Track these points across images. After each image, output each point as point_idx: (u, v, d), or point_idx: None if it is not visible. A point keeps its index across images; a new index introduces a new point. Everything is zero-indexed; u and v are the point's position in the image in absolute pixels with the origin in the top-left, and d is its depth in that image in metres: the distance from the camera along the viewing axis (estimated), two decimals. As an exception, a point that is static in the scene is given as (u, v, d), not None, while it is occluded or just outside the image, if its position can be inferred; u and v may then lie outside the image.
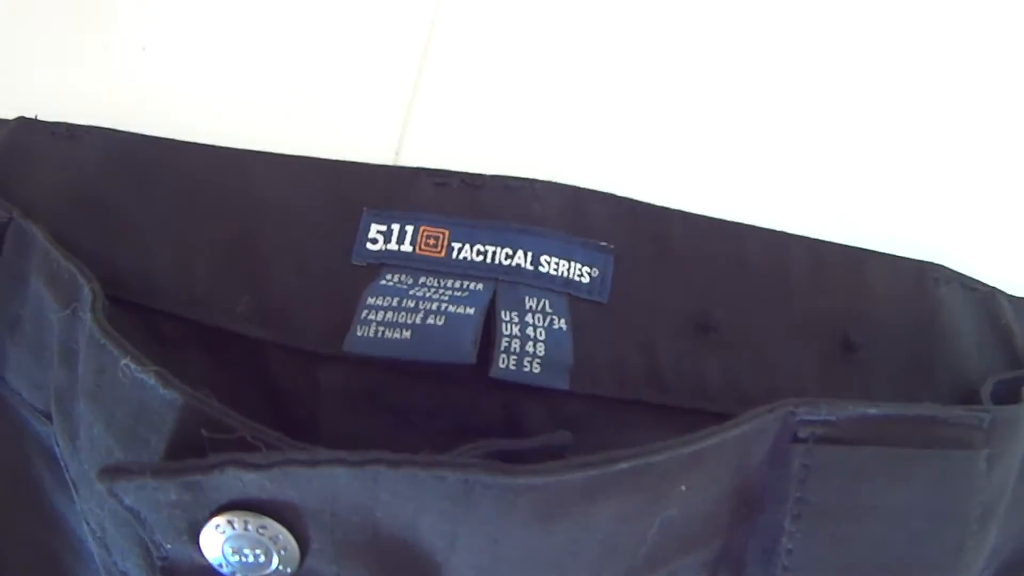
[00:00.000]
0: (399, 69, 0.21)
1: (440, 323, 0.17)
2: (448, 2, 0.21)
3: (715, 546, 0.18)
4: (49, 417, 0.20)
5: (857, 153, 0.22)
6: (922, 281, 0.21)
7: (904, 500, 0.18)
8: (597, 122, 0.21)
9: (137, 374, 0.16)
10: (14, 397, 0.21)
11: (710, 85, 0.21)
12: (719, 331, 0.20)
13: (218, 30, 0.23)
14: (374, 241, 0.19)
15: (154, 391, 0.16)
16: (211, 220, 0.20)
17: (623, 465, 0.15)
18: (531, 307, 0.18)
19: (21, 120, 0.23)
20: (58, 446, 0.20)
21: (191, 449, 0.16)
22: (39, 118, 0.23)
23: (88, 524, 0.19)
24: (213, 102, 0.23)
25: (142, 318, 0.21)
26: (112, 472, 0.15)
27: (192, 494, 0.15)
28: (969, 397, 0.21)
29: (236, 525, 0.15)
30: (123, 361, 0.16)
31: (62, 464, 0.20)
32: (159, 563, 0.16)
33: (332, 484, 0.15)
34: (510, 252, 0.19)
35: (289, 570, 0.16)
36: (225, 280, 0.20)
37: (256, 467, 0.14)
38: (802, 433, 0.17)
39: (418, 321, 0.18)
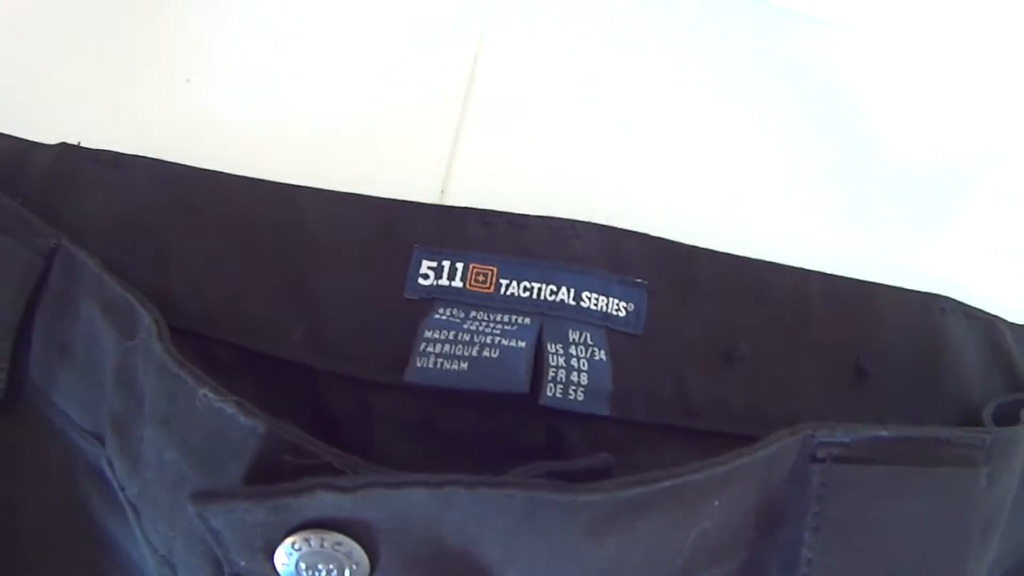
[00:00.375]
0: (444, 108, 0.23)
1: (495, 355, 0.19)
2: (490, 44, 0.23)
3: (741, 557, 0.20)
4: (99, 438, 0.21)
5: (864, 193, 0.24)
6: (928, 311, 0.23)
7: (912, 513, 0.19)
8: (633, 164, 0.22)
9: (216, 403, 0.17)
10: (63, 418, 0.22)
11: (733, 137, 0.23)
12: (744, 360, 0.21)
13: (262, 64, 0.24)
14: (425, 276, 0.21)
15: (233, 419, 0.17)
16: (262, 252, 0.21)
17: (667, 484, 0.17)
18: (574, 340, 0.20)
19: (64, 146, 0.23)
20: (111, 467, 0.21)
21: (271, 474, 0.17)
22: (82, 145, 0.23)
23: (150, 543, 0.20)
24: (255, 134, 0.24)
25: (194, 345, 0.22)
26: (204, 496, 0.16)
27: (277, 516, 0.16)
28: (972, 419, 0.22)
29: (312, 543, 0.17)
30: (201, 391, 0.17)
31: (115, 485, 0.21)
32: None
33: (407, 504, 0.16)
34: (554, 288, 0.20)
35: (360, 581, 0.17)
36: (278, 310, 0.21)
37: (343, 490, 0.16)
38: (820, 454, 0.19)
39: (474, 353, 0.19)
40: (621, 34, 0.23)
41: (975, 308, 0.23)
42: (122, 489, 0.20)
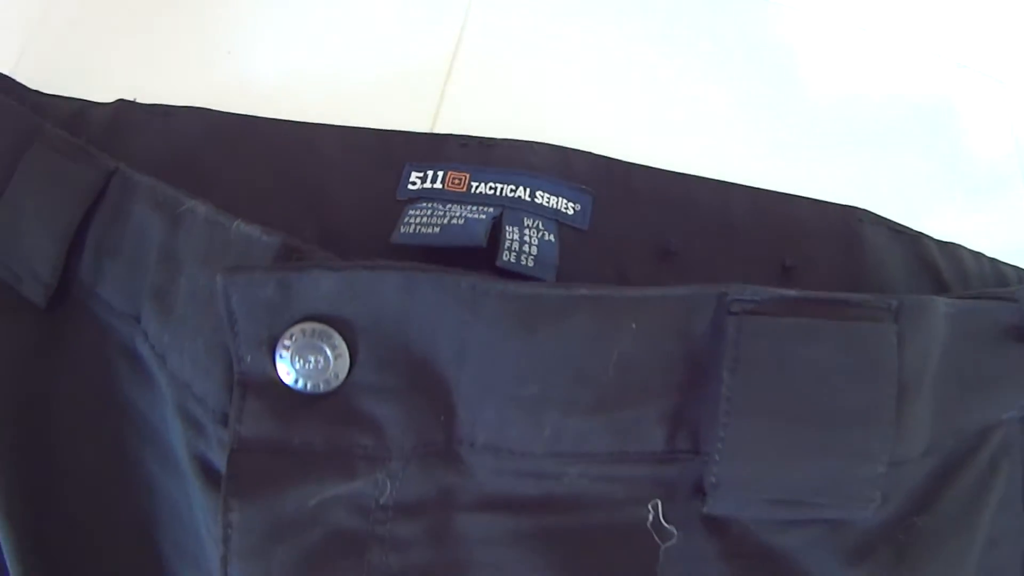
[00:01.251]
0: (435, 64, 0.28)
1: (461, 223, 0.24)
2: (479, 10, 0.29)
3: (671, 401, 0.22)
4: (136, 318, 0.25)
5: (787, 126, 0.28)
6: (847, 219, 0.26)
7: (823, 359, 0.21)
8: (584, 100, 0.28)
9: (246, 229, 0.22)
10: (104, 308, 0.26)
11: (683, 82, 0.28)
12: (677, 256, 0.25)
13: (288, 41, 0.29)
14: (413, 184, 0.26)
15: (259, 239, 0.22)
16: (286, 174, 0.26)
17: (584, 292, 0.21)
18: (528, 224, 0.25)
19: (121, 101, 0.28)
20: (144, 336, 0.24)
21: None
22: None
23: (174, 379, 0.23)
24: (281, 97, 0.28)
25: None
26: (231, 269, 0.21)
27: (282, 294, 0.21)
28: None
29: (306, 332, 0.21)
30: (235, 223, 0.22)
31: (146, 353, 0.25)
32: (238, 376, 0.21)
33: (380, 292, 0.21)
34: (514, 187, 0.25)
35: (340, 376, 0.21)
36: (296, 215, 0.26)
37: (334, 269, 0.20)
38: (734, 308, 0.22)
39: (445, 222, 0.24)
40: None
41: (900, 224, 0.26)
42: (153, 347, 0.24)
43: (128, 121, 0.28)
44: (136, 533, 0.25)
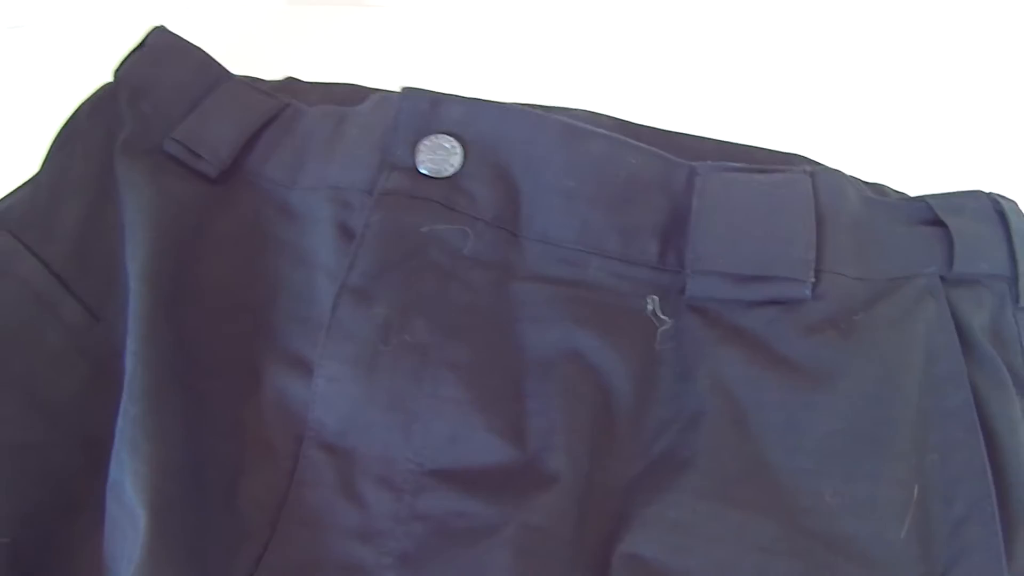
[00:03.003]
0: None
1: None
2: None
3: (662, 220, 0.32)
4: (293, 182, 0.35)
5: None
6: (792, 160, 0.36)
7: (756, 193, 0.31)
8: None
9: (395, 95, 0.35)
10: (264, 179, 0.35)
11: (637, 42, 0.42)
12: None
13: None
14: None
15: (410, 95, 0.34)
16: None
17: (603, 131, 0.33)
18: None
19: (289, 77, 0.40)
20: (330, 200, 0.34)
21: None
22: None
23: (332, 185, 0.34)
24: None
25: None
26: (407, 88, 0.33)
27: (431, 110, 0.33)
28: None
29: (437, 138, 0.33)
30: (396, 92, 0.35)
31: (295, 201, 0.34)
32: (389, 161, 0.33)
33: (486, 122, 0.33)
34: None
35: (454, 168, 0.32)
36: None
37: (463, 101, 0.33)
38: (700, 171, 0.33)
39: None
40: None
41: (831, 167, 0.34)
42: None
43: (294, 88, 0.40)
44: (260, 313, 0.34)
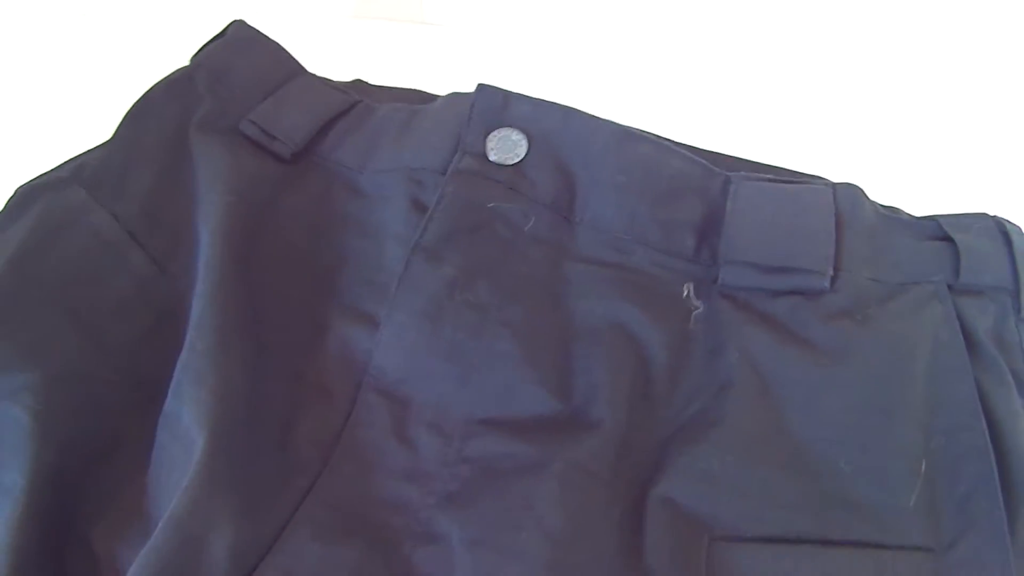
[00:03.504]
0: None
1: None
2: None
3: (698, 218, 0.36)
4: (362, 168, 0.38)
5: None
6: (800, 177, 0.40)
7: (781, 199, 0.36)
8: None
9: (455, 95, 0.39)
10: (335, 164, 0.39)
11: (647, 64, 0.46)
12: None
13: None
14: None
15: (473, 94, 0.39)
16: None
17: (650, 135, 0.37)
18: None
19: (358, 80, 0.45)
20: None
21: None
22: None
23: (406, 165, 0.38)
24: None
25: None
26: (482, 85, 0.38)
27: (503, 105, 0.37)
28: None
29: (506, 132, 0.37)
30: (477, 84, 0.39)
31: (364, 182, 0.38)
32: (461, 147, 0.37)
33: (551, 120, 0.37)
34: None
35: (519, 157, 0.36)
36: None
37: (532, 101, 0.37)
38: (734, 180, 0.37)
39: None
40: None
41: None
42: (384, 170, 0.39)
43: (363, 88, 0.44)
44: (327, 277, 0.37)
